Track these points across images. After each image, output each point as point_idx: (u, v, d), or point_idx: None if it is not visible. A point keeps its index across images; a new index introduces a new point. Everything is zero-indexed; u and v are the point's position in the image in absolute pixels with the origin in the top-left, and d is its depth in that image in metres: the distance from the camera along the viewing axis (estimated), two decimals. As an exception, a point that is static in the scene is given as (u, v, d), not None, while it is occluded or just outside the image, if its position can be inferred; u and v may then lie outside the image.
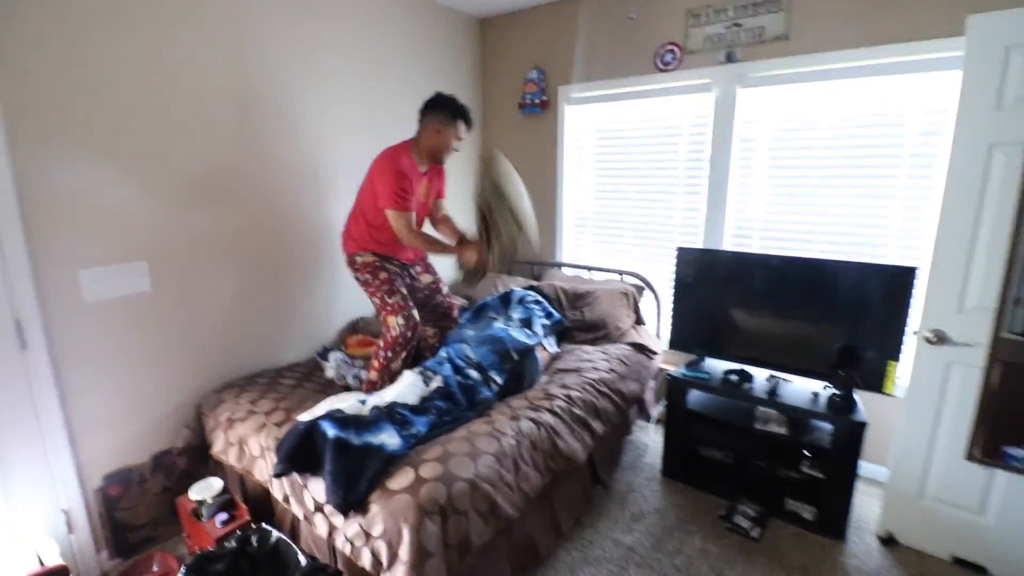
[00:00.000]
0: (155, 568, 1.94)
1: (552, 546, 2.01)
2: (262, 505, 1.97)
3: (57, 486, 1.87)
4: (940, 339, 1.90)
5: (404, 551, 1.40)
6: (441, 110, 2.19)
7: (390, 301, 2.23)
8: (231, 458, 1.96)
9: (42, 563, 1.54)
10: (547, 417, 1.97)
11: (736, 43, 2.58)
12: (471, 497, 1.55)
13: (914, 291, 2.02)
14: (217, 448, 2.02)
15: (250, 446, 1.90)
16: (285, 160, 2.47)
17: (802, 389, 2.32)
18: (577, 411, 2.11)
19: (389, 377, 2.21)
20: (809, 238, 2.56)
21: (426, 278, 2.55)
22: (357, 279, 2.34)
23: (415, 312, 2.26)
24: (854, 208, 2.44)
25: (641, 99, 2.97)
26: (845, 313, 2.20)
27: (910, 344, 2.03)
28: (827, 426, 2.18)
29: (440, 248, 2.27)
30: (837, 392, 2.13)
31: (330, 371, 2.35)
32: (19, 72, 1.67)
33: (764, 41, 2.50)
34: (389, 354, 2.21)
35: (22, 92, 1.68)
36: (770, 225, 2.68)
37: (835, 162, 2.46)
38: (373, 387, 2.19)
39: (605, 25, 2.97)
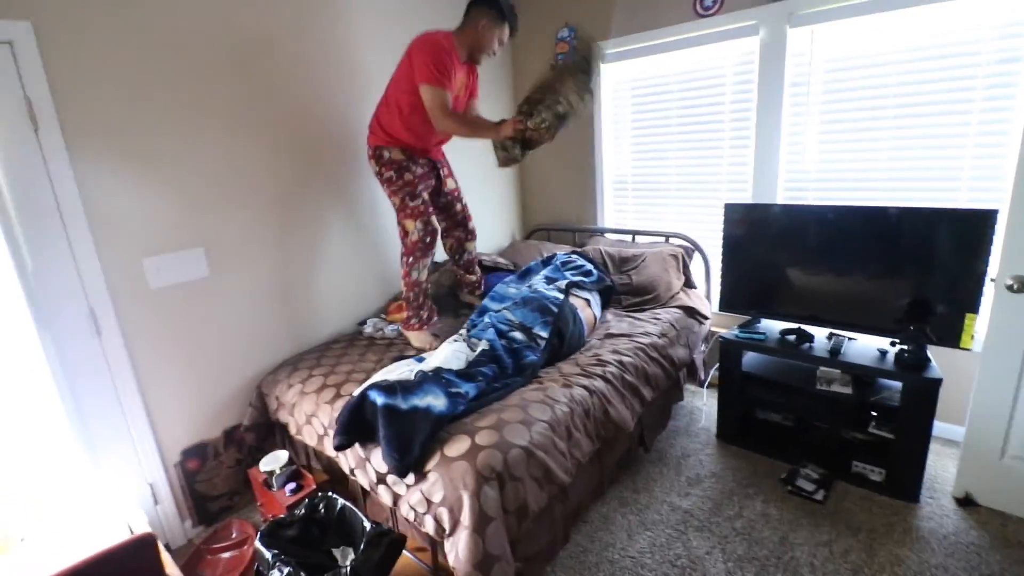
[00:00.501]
0: (234, 535, 2.08)
1: (602, 509, 2.03)
2: (333, 475, 2.06)
3: (142, 461, 2.02)
4: (1023, 286, 1.74)
5: (465, 516, 1.43)
6: (491, 8, 2.10)
7: (411, 204, 2.20)
8: (306, 437, 2.05)
9: (132, 532, 1.67)
10: (599, 384, 1.95)
11: (784, -23, 2.38)
12: (526, 464, 1.56)
13: (993, 236, 1.86)
14: (292, 430, 2.12)
15: (314, 425, 1.98)
16: (327, 140, 2.49)
17: (867, 347, 2.20)
18: (629, 378, 2.08)
19: (415, 289, 2.29)
20: (871, 186, 2.39)
21: (451, 183, 2.52)
22: (379, 176, 2.26)
23: (435, 219, 2.27)
24: (920, 151, 2.25)
25: (680, 49, 2.80)
26: (913, 264, 2.05)
27: (988, 293, 1.88)
28: (897, 384, 2.06)
29: (478, 127, 2.16)
30: (907, 348, 2.01)
31: (368, 330, 2.54)
32: (66, 59, 1.73)
33: (816, -28, 2.29)
34: (410, 259, 2.25)
35: (72, 81, 1.75)
36: (826, 175, 2.51)
37: (898, 101, 2.26)
38: (409, 303, 2.29)
39: (640, -27, 2.80)
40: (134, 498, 1.98)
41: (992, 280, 1.84)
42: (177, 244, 2.04)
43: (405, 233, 2.24)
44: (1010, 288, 1.77)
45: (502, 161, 2.25)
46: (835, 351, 2.16)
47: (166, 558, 1.56)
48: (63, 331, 1.79)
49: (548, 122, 2.06)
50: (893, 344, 2.10)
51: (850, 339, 2.26)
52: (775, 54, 2.48)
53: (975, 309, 1.93)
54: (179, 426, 2.13)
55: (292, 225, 2.41)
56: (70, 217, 1.76)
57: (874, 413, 2.12)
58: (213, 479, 2.23)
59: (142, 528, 1.68)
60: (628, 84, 3.09)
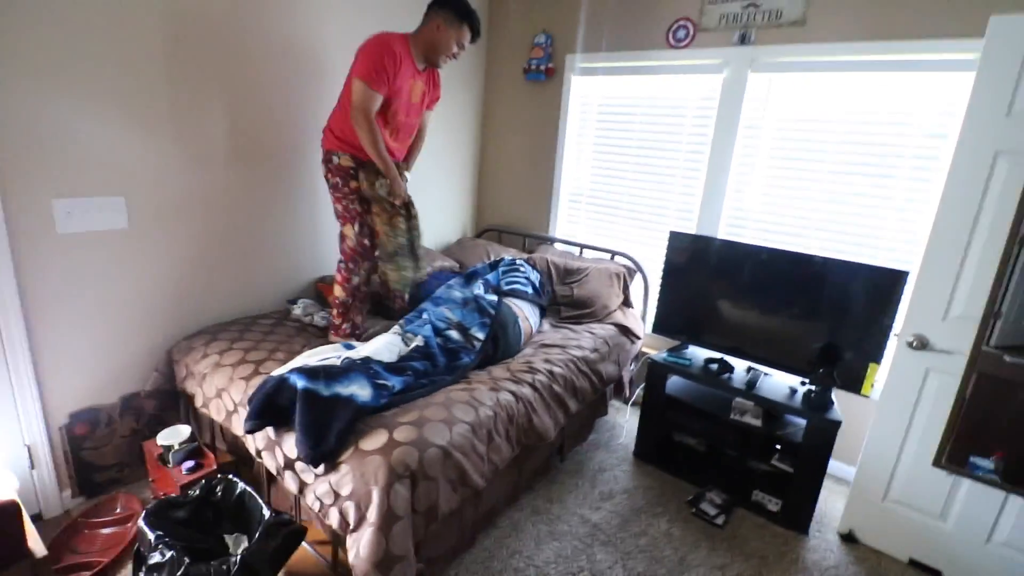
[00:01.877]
0: (118, 510, 1.92)
1: (514, 515, 2.03)
2: (238, 455, 1.94)
3: (21, 420, 1.83)
4: (922, 345, 1.90)
5: (372, 513, 1.39)
6: (451, 9, 2.07)
7: (351, 208, 2.17)
8: (213, 412, 1.92)
9: (-3, 497, 1.50)
10: (527, 391, 1.96)
11: (752, 24, 2.50)
12: (442, 464, 1.54)
13: (901, 295, 2.02)
14: (199, 402, 1.98)
15: (224, 400, 1.87)
16: (274, 112, 2.37)
17: (780, 383, 2.33)
18: (557, 388, 2.10)
19: (352, 296, 2.24)
20: (803, 232, 2.54)
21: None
22: (327, 180, 2.20)
23: (372, 219, 2.22)
24: (851, 206, 2.42)
25: (649, 75, 2.89)
26: (830, 311, 2.20)
27: (890, 347, 2.04)
28: (801, 422, 2.20)
29: (378, 155, 2.01)
30: (815, 389, 2.15)
31: (297, 310, 2.42)
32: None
33: (780, 25, 2.42)
34: (350, 265, 2.21)
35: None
36: (766, 216, 2.65)
37: (837, 157, 2.42)
38: (342, 308, 2.22)
39: (621, -6, 2.86)
40: (7, 460, 1.80)
41: (896, 335, 2.00)
42: (95, 189, 1.87)
43: (343, 238, 2.21)
44: (910, 344, 1.92)
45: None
46: (751, 384, 2.28)
47: (30, 529, 1.42)
48: (-57, 267, 1.59)
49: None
50: (803, 383, 2.24)
51: (766, 374, 2.39)
52: (735, 95, 2.60)
53: (878, 360, 2.09)
54: (70, 386, 1.95)
55: (230, 190, 2.27)
56: (-32, 141, 1.57)
57: (778, 447, 2.25)
58: (102, 448, 2.06)
59: (9, 493, 1.51)
60: (595, 101, 3.14)
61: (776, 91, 2.54)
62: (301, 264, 2.67)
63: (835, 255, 2.35)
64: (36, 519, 1.89)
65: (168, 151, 2.04)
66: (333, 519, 1.49)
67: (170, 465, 1.84)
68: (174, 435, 1.88)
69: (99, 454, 2.05)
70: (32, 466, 1.88)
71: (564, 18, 3.08)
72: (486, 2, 3.36)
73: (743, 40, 2.52)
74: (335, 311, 2.24)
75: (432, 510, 1.50)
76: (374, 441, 1.52)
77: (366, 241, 2.20)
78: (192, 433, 1.92)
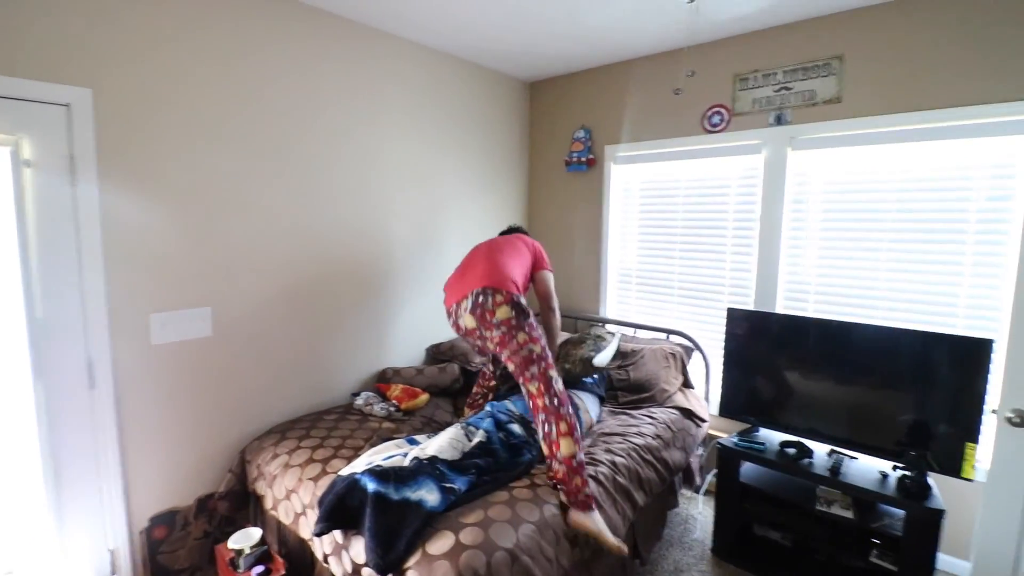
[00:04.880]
0: (189, 617, 1.93)
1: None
2: (302, 559, 1.94)
3: (107, 525, 1.92)
4: (1023, 420, 1.73)
5: (440, 624, 1.34)
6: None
7: (551, 352, 2.24)
8: (281, 514, 1.95)
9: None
10: (591, 485, 1.89)
11: (785, 105, 2.58)
12: (510, 568, 1.48)
13: (991, 365, 1.87)
14: (268, 504, 2.03)
15: (292, 502, 1.90)
16: (342, 222, 2.60)
17: (868, 468, 2.14)
18: (621, 480, 2.01)
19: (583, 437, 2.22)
20: (869, 304, 2.44)
21: None
22: (513, 323, 1.94)
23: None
24: (917, 274, 2.32)
25: (688, 159, 2.99)
26: (913, 388, 2.06)
27: (990, 424, 1.86)
28: (898, 511, 1.99)
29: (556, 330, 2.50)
30: (908, 474, 1.96)
31: (359, 401, 2.50)
32: (117, 123, 1.86)
33: (815, 104, 2.49)
34: (571, 409, 1.91)
35: (117, 144, 1.86)
36: (825, 288, 2.58)
37: (894, 225, 2.37)
38: (578, 467, 1.80)
39: (653, 88, 3.05)
40: (92, 564, 1.87)
41: (994, 411, 1.83)
42: (186, 302, 2.07)
43: (552, 380, 1.90)
44: (1010, 421, 1.75)
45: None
46: (835, 470, 2.10)
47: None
48: (58, 381, 1.78)
49: (574, 365, 2.49)
50: (895, 468, 2.05)
51: (851, 458, 2.21)
52: (777, 172, 2.64)
53: (975, 438, 1.91)
54: (153, 490, 2.05)
55: (299, 295, 2.46)
56: (89, 270, 1.81)
57: (876, 541, 2.03)
58: (177, 551, 2.11)
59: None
60: (637, 185, 3.26)
61: (820, 165, 2.56)
62: (362, 361, 2.78)
63: (906, 325, 2.24)
64: (113, 627, 1.92)
65: (247, 264, 2.26)
66: (401, 629, 1.44)
67: (240, 569, 1.85)
68: (245, 538, 1.91)
69: (173, 557, 2.10)
70: (113, 572, 1.95)
71: (601, 113, 3.29)
72: (527, 101, 3.65)
73: (779, 121, 2.60)
74: (566, 474, 1.78)
75: (502, 621, 1.42)
76: (440, 545, 1.49)
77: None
78: (262, 537, 1.94)
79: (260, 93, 2.23)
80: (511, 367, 1.95)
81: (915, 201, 2.32)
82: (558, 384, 1.91)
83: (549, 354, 1.97)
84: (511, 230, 2.73)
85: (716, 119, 2.81)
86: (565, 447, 1.81)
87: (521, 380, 1.92)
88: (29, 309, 1.71)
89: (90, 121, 1.78)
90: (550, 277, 2.46)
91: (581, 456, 1.83)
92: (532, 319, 2.00)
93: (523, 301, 2.04)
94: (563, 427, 1.84)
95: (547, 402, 1.86)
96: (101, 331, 1.85)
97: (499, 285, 2.02)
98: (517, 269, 2.23)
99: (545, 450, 1.87)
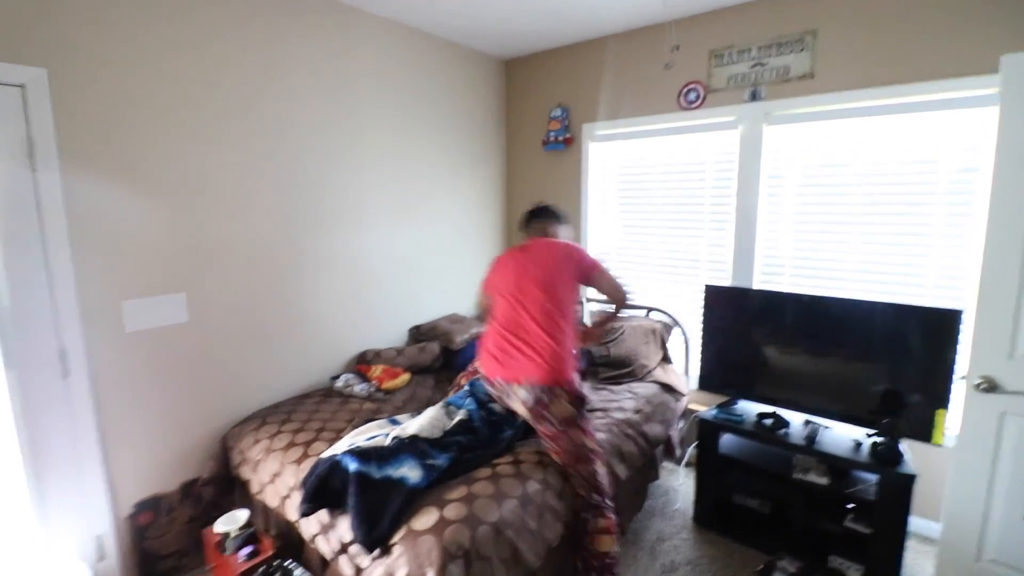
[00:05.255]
0: (177, 602, 1.94)
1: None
2: (290, 540, 1.95)
3: (91, 512, 1.91)
4: (991, 387, 1.79)
5: (426, 597, 1.36)
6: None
7: (598, 443, 1.89)
8: (268, 497, 1.96)
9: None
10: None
11: (760, 82, 2.59)
12: (494, 543, 1.51)
13: (960, 335, 1.93)
14: (254, 488, 2.03)
15: (277, 485, 1.91)
16: (317, 205, 2.57)
17: (843, 436, 2.21)
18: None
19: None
20: (842, 276, 2.49)
21: None
22: (570, 420, 1.78)
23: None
24: (888, 247, 2.37)
25: (665, 136, 2.99)
26: (885, 356, 2.11)
27: (959, 391, 1.93)
28: (872, 477, 2.06)
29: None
30: (881, 441, 2.02)
31: (339, 384, 2.50)
32: (76, 105, 1.80)
33: (789, 80, 2.50)
34: (611, 503, 1.82)
35: (78, 127, 1.80)
36: (800, 263, 2.62)
37: (866, 199, 2.41)
38: (608, 559, 1.76)
39: (629, 65, 3.03)
40: (77, 551, 1.86)
41: (963, 378, 1.89)
42: (160, 288, 2.03)
43: (594, 475, 1.78)
44: (978, 387, 1.81)
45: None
46: (811, 438, 2.16)
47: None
48: (31, 371, 1.74)
49: None
50: (868, 435, 2.12)
51: (826, 427, 2.27)
52: (753, 148, 2.65)
53: (944, 405, 1.97)
54: (135, 477, 2.03)
55: (274, 277, 2.42)
56: (55, 257, 1.76)
57: (851, 505, 2.09)
58: (164, 536, 2.10)
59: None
60: (615, 164, 3.25)
61: (794, 140, 2.58)
62: (341, 344, 2.76)
63: (879, 297, 2.29)
64: (101, 614, 1.92)
65: (220, 246, 2.22)
66: (389, 604, 1.46)
67: (228, 552, 1.86)
68: (231, 521, 1.91)
69: (161, 543, 2.09)
70: (101, 556, 1.94)
71: (578, 91, 3.27)
72: (503, 79, 3.61)
73: (754, 97, 2.61)
74: (595, 569, 1.75)
75: (487, 593, 1.45)
76: (425, 520, 1.51)
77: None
78: (248, 519, 1.95)
79: (227, 74, 2.17)
80: (555, 458, 1.82)
81: (886, 175, 2.36)
82: (604, 479, 1.81)
83: (600, 450, 1.86)
84: (538, 215, 2.18)
85: (692, 96, 2.81)
86: (603, 544, 1.74)
87: (566, 468, 1.81)
88: (-5, 298, 1.67)
89: (47, 102, 1.72)
90: (607, 273, 2.01)
91: (616, 551, 1.76)
92: (585, 409, 1.87)
93: (583, 392, 1.88)
94: (602, 523, 1.75)
95: (590, 497, 1.77)
96: (72, 319, 1.81)
97: (561, 381, 1.80)
98: (569, 329, 1.88)
99: (581, 532, 1.79)
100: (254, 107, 2.27)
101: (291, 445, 1.99)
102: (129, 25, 1.89)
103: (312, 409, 2.28)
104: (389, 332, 3.01)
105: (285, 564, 1.64)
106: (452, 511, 1.54)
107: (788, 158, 2.61)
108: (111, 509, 1.96)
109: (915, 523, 2.31)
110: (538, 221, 2.16)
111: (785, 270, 2.67)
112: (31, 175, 1.70)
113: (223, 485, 2.22)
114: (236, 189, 2.24)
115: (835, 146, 2.47)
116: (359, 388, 2.45)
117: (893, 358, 2.10)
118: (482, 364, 2.00)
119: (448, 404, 2.08)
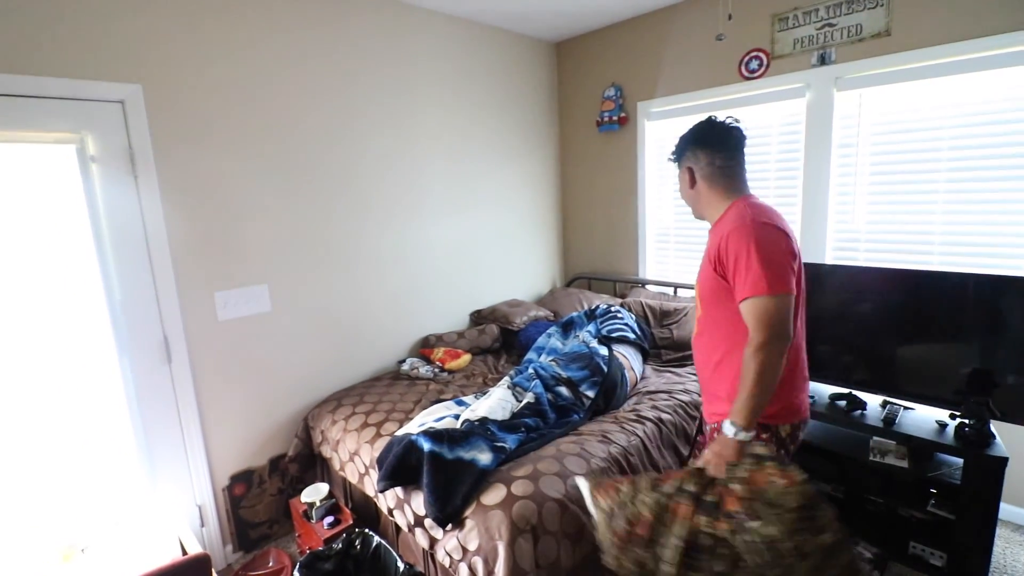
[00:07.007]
0: (271, 564, 2.13)
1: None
2: (367, 511, 2.09)
3: (194, 483, 2.13)
4: (1100, 364, 1.64)
5: (500, 568, 1.44)
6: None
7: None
8: (348, 474, 2.10)
9: (184, 550, 1.75)
10: (636, 442, 1.94)
11: (829, 43, 2.43)
12: (560, 518, 1.56)
13: (1063, 308, 1.77)
14: (336, 465, 2.18)
15: (356, 463, 2.05)
16: (382, 200, 2.69)
17: (925, 418, 2.08)
18: (666, 434, 2.05)
19: None
20: (925, 249, 2.33)
21: None
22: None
23: None
24: (979, 215, 2.19)
25: (726, 108, 2.87)
26: (977, 335, 1.96)
27: (1060, 369, 1.78)
28: (958, 460, 1.94)
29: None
30: (969, 422, 1.90)
31: (405, 366, 2.64)
32: (168, 116, 1.97)
33: (862, 39, 2.34)
34: None
35: (170, 136, 1.98)
36: (879, 235, 2.47)
37: (952, 164, 2.22)
38: None
39: (684, 38, 2.92)
40: (184, 518, 2.08)
41: (1063, 355, 1.74)
42: (246, 280, 2.21)
43: None
44: (1083, 365, 1.67)
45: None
46: (889, 420, 2.06)
47: (212, 582, 1.63)
48: (139, 357, 1.96)
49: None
50: (953, 417, 1.99)
51: (906, 408, 2.16)
52: (822, 116, 2.51)
53: (1044, 385, 1.82)
54: (230, 452, 2.24)
55: (345, 268, 2.57)
56: (157, 255, 1.96)
57: (933, 490, 1.99)
58: (256, 506, 2.31)
59: (193, 548, 1.76)
60: (671, 141, 3.15)
61: (869, 106, 2.41)
62: (405, 330, 2.89)
63: (966, 269, 2.13)
64: (208, 573, 2.15)
65: (296, 240, 2.37)
66: (463, 573, 1.55)
67: (313, 520, 2.02)
68: (315, 493, 2.08)
69: (253, 512, 2.31)
70: (203, 523, 2.16)
71: (631, 69, 3.19)
72: (555, 62, 3.58)
73: (823, 60, 2.46)
74: None
75: (555, 567, 1.51)
76: (494, 496, 1.58)
77: None
78: (330, 491, 2.11)
79: (293, 75, 2.30)
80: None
81: (974, 136, 2.17)
82: None
83: None
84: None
85: (754, 64, 2.68)
86: None
87: None
88: (108, 292, 1.88)
89: (143, 114, 1.89)
90: (762, 305, 1.32)
91: None
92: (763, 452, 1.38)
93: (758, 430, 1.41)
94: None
95: None
96: (172, 309, 2.01)
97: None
98: (721, 359, 1.50)
99: None
100: (325, 111, 2.40)
101: (365, 425, 2.12)
102: (209, 33, 2.04)
103: (382, 391, 2.42)
104: (450, 318, 3.11)
105: (366, 532, 1.77)
106: (519, 488, 1.60)
107: (861, 124, 2.44)
108: (210, 481, 2.17)
109: (1006, 510, 2.17)
110: None
111: (860, 244, 2.52)
112: (134, 181, 1.89)
113: (306, 461, 2.40)
114: (309, 186, 2.38)
115: (915, 109, 2.30)
116: (424, 370, 2.57)
117: (986, 334, 1.95)
118: (805, 400, 1.52)
119: (515, 385, 2.14)
